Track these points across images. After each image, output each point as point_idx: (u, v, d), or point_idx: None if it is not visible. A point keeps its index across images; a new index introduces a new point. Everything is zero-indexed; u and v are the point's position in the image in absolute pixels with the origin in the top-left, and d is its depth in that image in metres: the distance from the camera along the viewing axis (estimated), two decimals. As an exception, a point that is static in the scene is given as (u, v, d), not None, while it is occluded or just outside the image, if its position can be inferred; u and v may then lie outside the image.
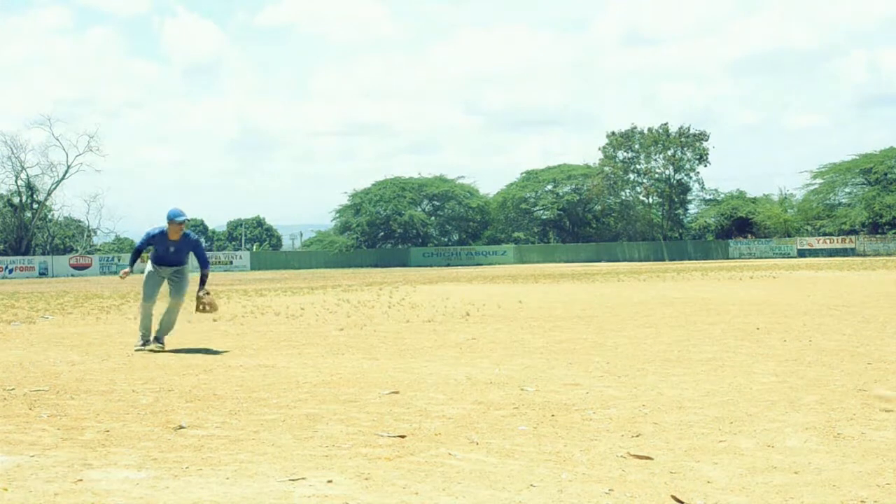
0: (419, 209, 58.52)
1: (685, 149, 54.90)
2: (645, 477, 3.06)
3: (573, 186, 58.17)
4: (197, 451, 3.47)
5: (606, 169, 55.67)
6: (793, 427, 3.82)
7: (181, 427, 3.92)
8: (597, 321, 9.34)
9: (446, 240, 59.34)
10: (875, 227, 50.32)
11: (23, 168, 54.25)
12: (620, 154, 56.31)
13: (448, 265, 50.68)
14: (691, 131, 54.75)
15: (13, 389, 5.09)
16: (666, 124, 55.16)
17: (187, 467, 3.20)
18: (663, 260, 49.41)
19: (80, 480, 3.02)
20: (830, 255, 45.86)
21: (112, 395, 4.89)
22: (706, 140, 54.80)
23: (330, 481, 3.01)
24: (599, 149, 57.06)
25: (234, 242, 78.73)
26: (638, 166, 56.08)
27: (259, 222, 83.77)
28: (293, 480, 3.00)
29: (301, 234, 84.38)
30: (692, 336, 7.60)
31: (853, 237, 48.82)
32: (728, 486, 2.93)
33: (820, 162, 63.37)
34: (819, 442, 3.54)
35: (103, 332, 9.04)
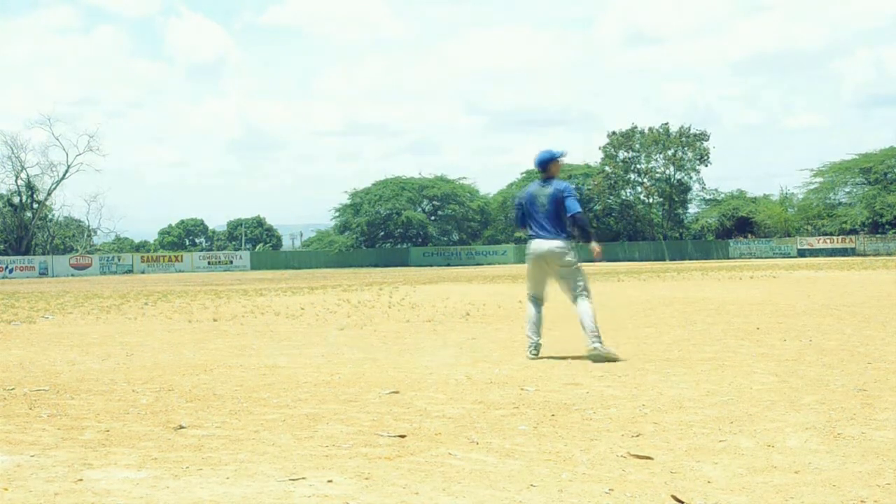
0: (419, 209, 58.60)
1: (686, 148, 54.75)
2: (645, 477, 3.06)
3: (574, 186, 56.92)
4: (197, 451, 3.46)
5: (607, 168, 55.65)
6: (793, 427, 3.81)
7: (181, 427, 3.92)
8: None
9: (446, 240, 59.22)
10: (875, 227, 50.35)
11: (23, 168, 54.29)
12: (621, 154, 56.08)
13: (448, 265, 50.74)
14: (692, 131, 54.54)
15: (13, 389, 5.09)
16: (667, 124, 55.05)
17: (187, 467, 3.19)
18: (664, 260, 49.58)
19: (81, 480, 3.02)
20: (830, 255, 46.03)
21: (112, 394, 4.88)
22: (707, 140, 54.65)
23: (330, 481, 3.00)
24: (600, 148, 56.97)
25: (234, 242, 78.80)
26: (638, 166, 55.94)
27: (259, 222, 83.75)
28: (293, 480, 3.00)
29: (301, 234, 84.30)
30: (692, 336, 7.60)
31: (853, 237, 49.11)
32: (728, 485, 2.93)
33: (821, 161, 62.47)
34: (819, 442, 3.53)
35: (103, 332, 9.03)
